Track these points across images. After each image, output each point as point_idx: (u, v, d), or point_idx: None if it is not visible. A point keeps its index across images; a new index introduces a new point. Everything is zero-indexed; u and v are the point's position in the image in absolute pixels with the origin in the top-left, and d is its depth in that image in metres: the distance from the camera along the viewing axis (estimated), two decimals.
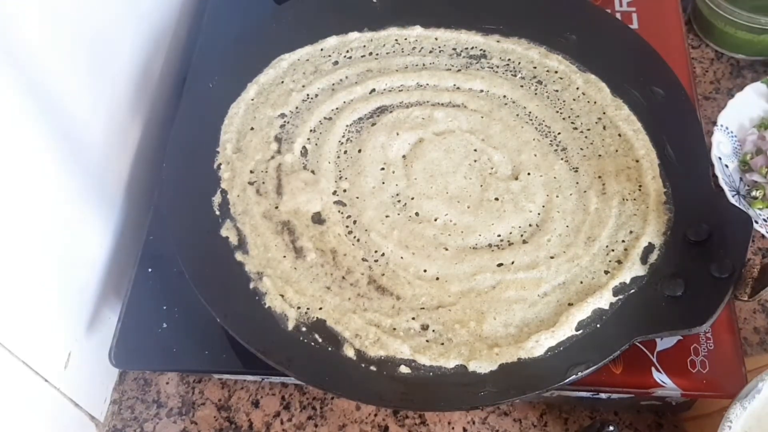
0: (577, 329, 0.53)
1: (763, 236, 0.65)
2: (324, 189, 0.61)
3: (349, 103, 0.67)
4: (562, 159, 0.62)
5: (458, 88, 0.67)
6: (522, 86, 0.67)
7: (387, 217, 0.60)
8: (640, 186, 0.60)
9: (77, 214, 0.60)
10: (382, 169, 0.63)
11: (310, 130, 0.65)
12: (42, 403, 0.55)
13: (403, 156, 0.64)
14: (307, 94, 0.68)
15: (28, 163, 0.53)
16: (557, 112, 0.65)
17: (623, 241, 0.57)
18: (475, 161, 0.63)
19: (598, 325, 0.53)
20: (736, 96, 0.72)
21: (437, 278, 0.57)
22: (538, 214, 0.59)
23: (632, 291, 0.54)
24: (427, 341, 0.53)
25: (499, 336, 0.53)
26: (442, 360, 0.52)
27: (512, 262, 0.57)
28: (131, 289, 0.60)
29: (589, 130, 0.64)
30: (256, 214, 0.60)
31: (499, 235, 0.59)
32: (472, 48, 0.70)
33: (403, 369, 0.52)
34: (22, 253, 0.52)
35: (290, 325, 0.55)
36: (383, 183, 0.62)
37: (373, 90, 0.68)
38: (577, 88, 0.66)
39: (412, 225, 0.59)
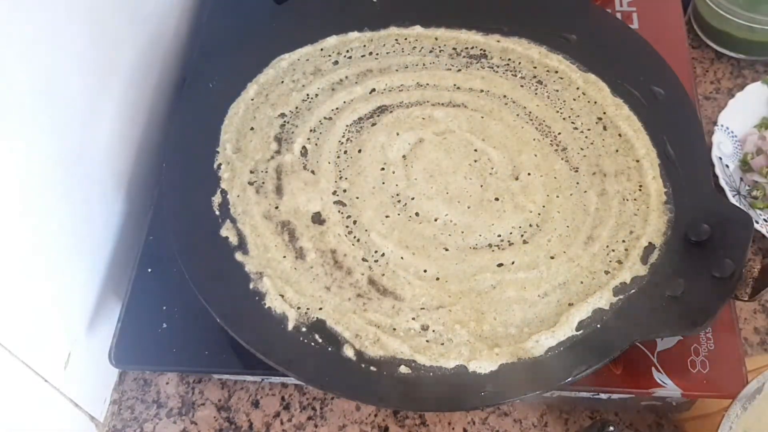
0: (577, 329, 0.53)
1: (763, 236, 0.65)
2: (324, 189, 0.61)
3: (349, 103, 0.67)
4: (562, 159, 0.62)
5: (458, 87, 0.67)
6: (522, 86, 0.67)
7: (387, 217, 0.60)
8: (640, 186, 0.60)
9: (77, 214, 0.60)
10: (382, 169, 0.63)
11: (310, 130, 0.65)
12: (42, 403, 0.55)
13: (403, 156, 0.64)
14: (307, 94, 0.68)
15: (27, 164, 0.53)
16: (557, 112, 0.65)
17: (623, 241, 0.57)
18: (475, 161, 0.63)
19: (599, 325, 0.53)
20: (737, 96, 0.72)
21: (437, 278, 0.56)
22: (538, 214, 0.59)
23: (632, 291, 0.54)
24: (427, 341, 0.53)
25: (499, 336, 0.53)
26: (442, 360, 0.52)
27: (512, 262, 0.57)
28: (131, 289, 0.60)
29: (589, 130, 0.64)
30: (256, 215, 0.60)
31: (499, 235, 0.59)
32: (472, 48, 0.70)
33: (403, 369, 0.52)
34: (22, 254, 0.52)
35: (290, 326, 0.55)
36: (383, 183, 0.62)
37: (373, 90, 0.68)
38: (578, 88, 0.66)
39: (412, 225, 0.59)
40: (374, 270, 0.57)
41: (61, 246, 0.57)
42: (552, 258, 0.57)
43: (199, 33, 0.76)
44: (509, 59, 0.69)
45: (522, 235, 0.58)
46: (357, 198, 0.61)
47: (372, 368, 0.52)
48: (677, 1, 0.76)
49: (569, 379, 0.49)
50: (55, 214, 0.57)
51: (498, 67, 0.68)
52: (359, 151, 0.64)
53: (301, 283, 0.57)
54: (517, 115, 0.65)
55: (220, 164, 0.64)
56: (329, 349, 0.54)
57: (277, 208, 0.61)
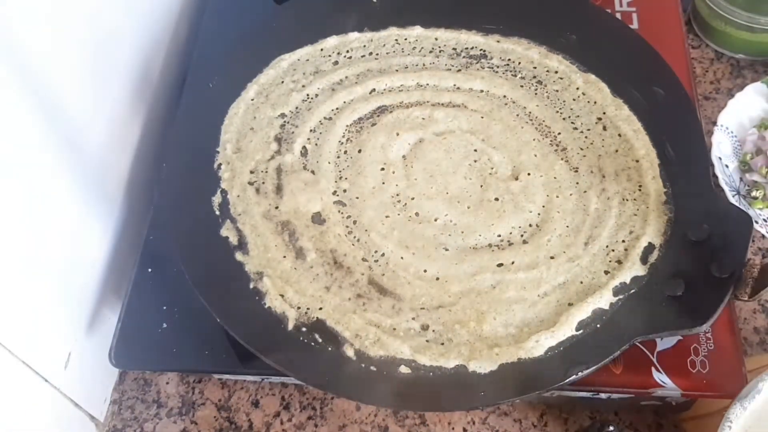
0: (577, 329, 0.53)
1: (763, 236, 0.65)
2: (324, 189, 0.61)
3: (349, 103, 0.67)
4: (562, 159, 0.62)
5: (458, 88, 0.67)
6: (522, 86, 0.67)
7: (387, 217, 0.60)
8: (640, 186, 0.60)
9: (77, 214, 0.60)
10: (382, 169, 0.63)
11: (310, 130, 0.65)
12: (42, 403, 0.55)
13: (403, 156, 0.64)
14: (307, 94, 0.68)
15: (28, 164, 0.53)
16: (557, 112, 0.65)
17: (623, 241, 0.57)
18: (475, 161, 0.63)
19: (598, 325, 0.53)
20: (737, 96, 0.72)
21: (437, 278, 0.56)
22: (538, 214, 0.59)
23: (632, 291, 0.54)
24: (427, 341, 0.53)
25: (499, 336, 0.53)
26: (442, 360, 0.52)
27: (512, 262, 0.57)
28: (131, 289, 0.60)
29: (589, 130, 0.64)
30: (256, 215, 0.60)
31: (499, 235, 0.59)
32: (472, 48, 0.70)
33: (403, 369, 0.52)
34: (23, 253, 0.52)
35: (290, 325, 0.55)
36: (383, 183, 0.62)
37: (373, 90, 0.68)
38: (577, 88, 0.66)
39: (412, 225, 0.59)
40: (374, 270, 0.57)
41: (61, 246, 0.57)
42: (552, 258, 0.57)
43: (199, 33, 0.76)
44: (509, 59, 0.69)
45: (522, 235, 0.58)
46: (357, 198, 0.61)
47: (372, 368, 0.52)
48: (677, 2, 0.76)
49: (569, 379, 0.49)
50: (55, 214, 0.57)
51: (498, 67, 0.69)
52: (359, 151, 0.64)
53: (301, 283, 0.57)
54: (517, 115, 0.65)
55: (220, 164, 0.64)
56: (329, 349, 0.54)
57: (277, 208, 0.61)
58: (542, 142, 0.63)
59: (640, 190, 0.59)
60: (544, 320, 0.54)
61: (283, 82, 0.69)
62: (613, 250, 0.57)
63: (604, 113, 0.64)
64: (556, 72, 0.68)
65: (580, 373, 0.49)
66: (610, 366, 0.54)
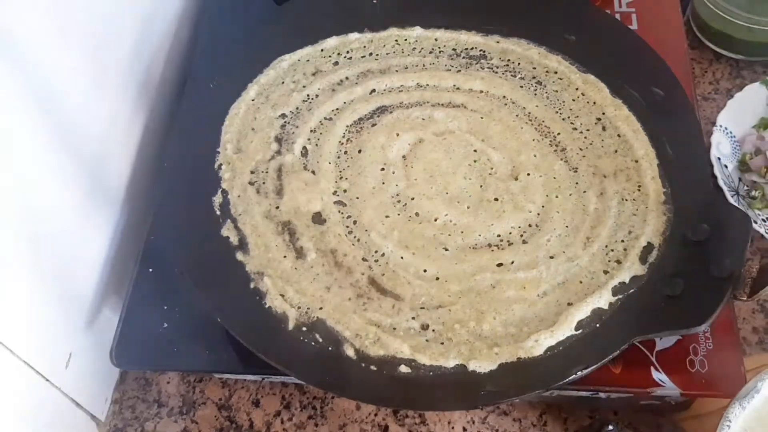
0: (576, 329, 0.53)
1: (762, 236, 0.65)
2: (324, 189, 0.62)
3: (350, 104, 0.67)
4: (561, 159, 0.62)
5: (458, 88, 0.68)
6: (522, 87, 0.67)
7: (387, 217, 0.60)
8: (639, 186, 0.60)
9: (78, 214, 0.60)
10: (382, 169, 0.63)
11: (311, 131, 0.65)
12: (43, 403, 0.56)
13: (403, 156, 0.64)
14: (308, 95, 0.68)
15: (28, 164, 0.53)
16: (557, 112, 0.65)
17: (622, 241, 0.57)
18: (474, 161, 0.63)
19: (598, 325, 0.53)
20: (736, 96, 0.72)
21: (437, 278, 0.57)
22: (538, 214, 0.59)
23: (632, 291, 0.55)
24: (426, 341, 0.54)
25: (498, 335, 0.53)
26: (442, 360, 0.52)
27: (512, 262, 0.57)
28: (132, 289, 0.60)
29: (588, 130, 0.64)
30: (256, 215, 0.60)
31: (498, 235, 0.59)
32: (472, 48, 0.70)
33: (403, 369, 0.52)
34: (23, 253, 0.53)
35: (290, 325, 0.55)
36: (383, 183, 0.62)
37: (373, 90, 0.68)
38: (577, 89, 0.66)
39: (412, 225, 0.60)
40: (374, 270, 0.57)
41: (61, 246, 0.57)
42: (551, 258, 0.57)
43: (200, 33, 0.76)
44: (509, 60, 0.69)
45: (521, 235, 0.59)
46: (357, 198, 0.61)
47: (372, 368, 0.53)
48: (676, 2, 0.76)
49: (569, 379, 0.49)
50: (56, 214, 0.57)
51: (497, 67, 0.69)
52: (359, 151, 0.64)
53: (302, 283, 0.57)
54: (517, 115, 0.65)
55: (220, 164, 0.64)
56: (329, 348, 0.54)
57: (277, 208, 0.61)
58: (542, 143, 0.63)
59: (639, 190, 0.60)
60: (544, 320, 0.54)
61: (283, 82, 0.69)
62: (612, 250, 0.57)
63: (604, 113, 0.64)
64: (556, 72, 0.68)
65: (579, 373, 0.49)
66: (610, 366, 0.54)
